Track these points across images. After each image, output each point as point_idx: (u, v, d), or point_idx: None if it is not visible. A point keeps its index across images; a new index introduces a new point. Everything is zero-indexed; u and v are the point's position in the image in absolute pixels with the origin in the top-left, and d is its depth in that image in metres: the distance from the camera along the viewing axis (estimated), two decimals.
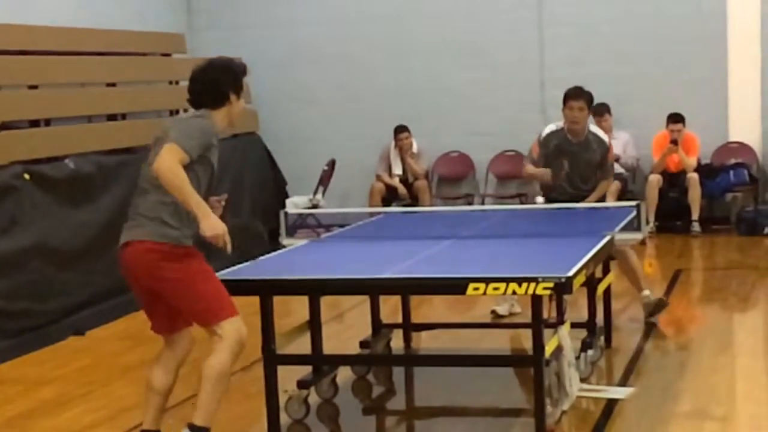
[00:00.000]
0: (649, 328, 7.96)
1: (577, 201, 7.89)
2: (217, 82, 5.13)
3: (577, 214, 7.48)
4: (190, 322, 5.26)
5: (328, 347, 6.55)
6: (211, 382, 5.04)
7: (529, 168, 8.15)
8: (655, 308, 8.10)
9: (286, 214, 7.26)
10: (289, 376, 6.10)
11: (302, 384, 6.18)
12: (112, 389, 7.10)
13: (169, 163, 4.84)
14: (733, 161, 12.53)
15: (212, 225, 4.93)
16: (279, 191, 13.27)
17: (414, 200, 12.70)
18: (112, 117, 10.83)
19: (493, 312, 8.32)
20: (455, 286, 5.36)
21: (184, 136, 4.93)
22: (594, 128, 8.18)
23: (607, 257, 7.01)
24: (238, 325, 5.09)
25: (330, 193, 12.88)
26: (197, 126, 5.04)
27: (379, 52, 13.56)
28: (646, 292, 8.13)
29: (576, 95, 7.99)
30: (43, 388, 7.23)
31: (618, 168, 12.06)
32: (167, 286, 5.04)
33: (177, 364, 5.33)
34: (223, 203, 5.30)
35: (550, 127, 8.18)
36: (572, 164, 8.01)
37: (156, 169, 4.88)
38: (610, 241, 6.43)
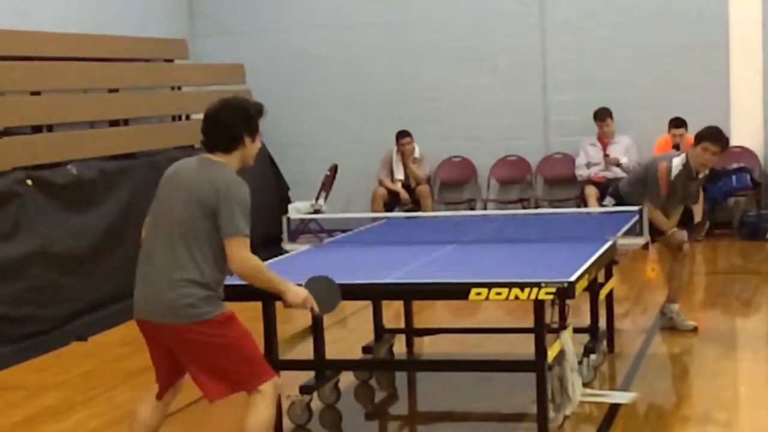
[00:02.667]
0: (652, 333, 7.95)
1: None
2: (230, 125, 4.87)
3: (579, 219, 7.47)
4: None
5: (331, 352, 6.55)
6: None
7: (654, 214, 7.62)
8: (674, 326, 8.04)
9: (288, 219, 7.26)
10: (291, 382, 6.10)
11: (305, 389, 6.18)
12: (115, 395, 7.10)
13: (247, 264, 4.75)
14: (735, 166, 12.51)
15: (296, 293, 4.93)
16: (281, 196, 13.27)
17: (416, 205, 12.70)
18: (114, 123, 10.84)
19: None
20: (457, 291, 5.36)
21: (239, 219, 4.74)
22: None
23: (609, 261, 7.01)
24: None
25: (332, 199, 12.88)
26: (244, 199, 4.80)
27: (381, 57, 13.57)
28: (676, 307, 8.07)
29: (715, 139, 7.76)
30: (45, 393, 7.24)
31: (620, 172, 12.09)
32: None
33: (166, 411, 5.14)
34: None
35: (677, 163, 7.81)
36: (688, 196, 8.00)
37: (238, 273, 4.78)
38: (613, 246, 6.43)
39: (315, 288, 5.05)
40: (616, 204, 7.80)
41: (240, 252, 4.74)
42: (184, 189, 4.84)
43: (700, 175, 7.92)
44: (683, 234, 7.86)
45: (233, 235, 4.73)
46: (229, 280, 5.68)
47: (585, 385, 6.38)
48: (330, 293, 5.12)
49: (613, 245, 6.45)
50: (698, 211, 8.14)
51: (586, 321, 7.16)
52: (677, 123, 12.34)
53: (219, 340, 4.77)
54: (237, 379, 4.82)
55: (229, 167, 4.89)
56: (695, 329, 7.96)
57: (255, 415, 4.80)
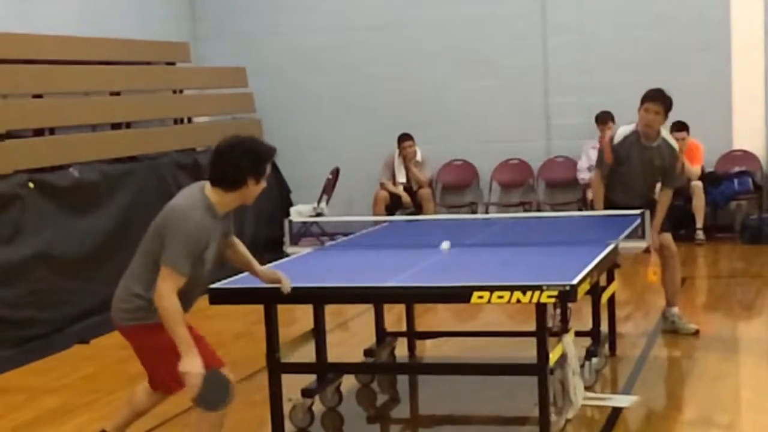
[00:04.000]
0: (653, 336, 7.94)
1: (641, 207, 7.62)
2: (237, 166, 4.87)
3: (581, 223, 7.47)
4: None
5: (333, 355, 6.54)
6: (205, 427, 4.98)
7: (597, 186, 7.77)
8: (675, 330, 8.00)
9: (290, 222, 7.27)
10: (293, 385, 6.10)
11: (306, 392, 6.18)
12: (117, 397, 7.09)
13: (163, 300, 4.76)
14: (737, 169, 12.52)
15: (193, 365, 4.80)
16: (283, 199, 13.28)
17: (418, 208, 12.71)
18: (116, 126, 10.85)
19: None
20: (459, 295, 5.35)
21: (176, 253, 4.76)
22: (666, 134, 7.93)
23: (611, 265, 7.01)
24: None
25: (334, 202, 12.89)
26: (187, 234, 4.79)
27: (383, 60, 13.58)
28: (676, 310, 8.04)
29: (653, 97, 7.78)
30: (47, 396, 7.24)
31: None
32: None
33: (157, 400, 5.35)
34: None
35: (624, 130, 7.88)
36: (643, 169, 7.79)
37: (156, 301, 4.79)
38: (615, 250, 6.43)
39: (211, 382, 4.86)
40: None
41: (162, 284, 4.78)
42: (160, 221, 4.94)
43: (654, 144, 7.72)
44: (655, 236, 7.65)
45: (164, 264, 4.79)
46: (232, 284, 5.70)
47: (587, 388, 6.38)
48: (218, 393, 4.93)
49: (615, 249, 6.44)
50: (663, 207, 7.87)
51: (587, 324, 7.15)
52: (678, 127, 12.33)
53: (151, 343, 4.97)
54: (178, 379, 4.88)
55: (203, 202, 4.88)
56: (697, 332, 7.95)
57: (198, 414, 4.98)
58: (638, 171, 7.74)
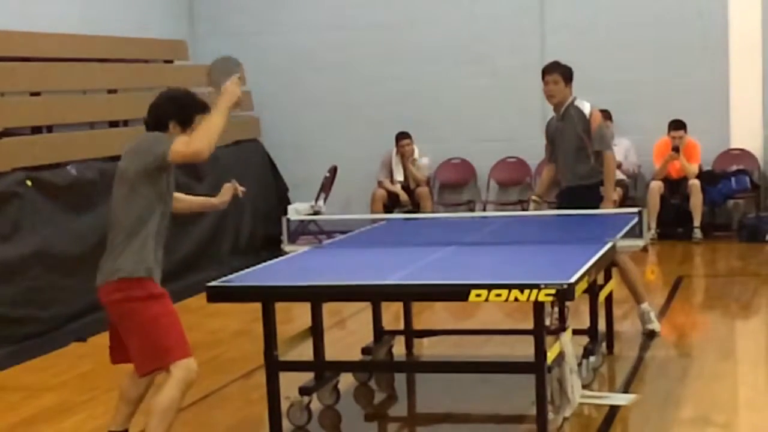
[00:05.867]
0: (651, 335, 7.95)
1: (575, 189, 7.82)
2: (162, 110, 5.22)
3: (579, 221, 7.47)
4: None
5: (330, 354, 6.55)
6: (158, 416, 5.03)
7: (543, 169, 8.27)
8: (649, 333, 7.98)
9: (287, 220, 7.26)
10: (291, 383, 6.10)
11: (304, 390, 6.18)
12: (114, 396, 7.06)
13: (193, 142, 4.98)
14: (734, 168, 12.53)
15: (231, 92, 5.16)
16: (281, 198, 13.28)
17: (415, 207, 12.71)
18: (114, 124, 10.85)
19: None
20: (457, 293, 5.36)
21: (161, 143, 5.03)
22: (579, 102, 7.93)
23: (609, 264, 7.01)
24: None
25: (332, 200, 12.89)
26: (158, 136, 5.13)
27: (381, 59, 13.57)
28: (645, 306, 8.03)
29: (549, 69, 7.95)
30: (45, 394, 7.24)
31: (619, 175, 12.08)
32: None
33: (151, 378, 5.37)
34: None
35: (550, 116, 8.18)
36: (560, 143, 7.93)
37: (199, 150, 4.96)
38: (612, 248, 6.44)
39: (220, 74, 5.34)
40: None
41: (179, 146, 4.99)
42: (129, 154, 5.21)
43: (563, 113, 7.87)
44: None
45: (164, 149, 5.00)
46: (229, 282, 5.70)
47: (584, 386, 6.38)
48: (226, 62, 5.46)
49: (613, 247, 6.45)
50: (610, 177, 7.87)
51: (585, 323, 7.16)
52: (677, 125, 12.36)
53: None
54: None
55: None
56: (652, 333, 7.89)
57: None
58: (559, 145, 7.95)
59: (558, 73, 7.88)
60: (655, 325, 7.95)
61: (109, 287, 5.14)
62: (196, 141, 4.96)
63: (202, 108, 5.26)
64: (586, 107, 7.91)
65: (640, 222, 6.86)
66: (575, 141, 7.84)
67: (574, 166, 7.88)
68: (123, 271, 5.09)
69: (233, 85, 5.19)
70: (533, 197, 8.41)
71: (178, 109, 5.22)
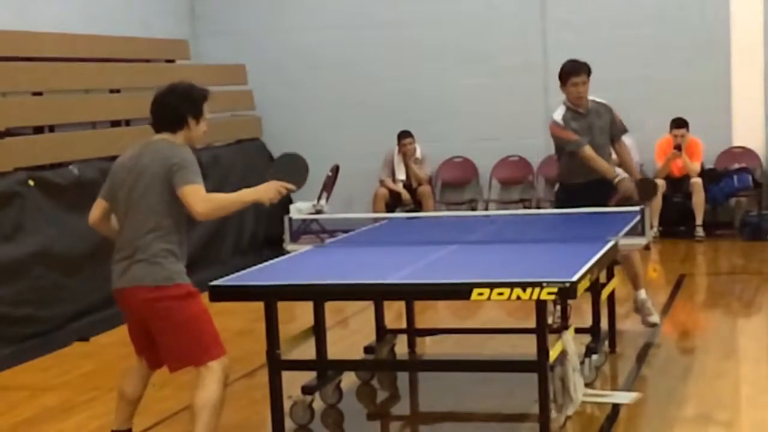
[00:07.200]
0: (654, 333, 7.95)
1: (604, 182, 7.84)
2: (177, 108, 5.25)
3: (581, 220, 7.47)
4: None
5: (333, 353, 6.55)
6: (207, 414, 5.04)
7: (593, 156, 7.86)
8: (644, 321, 8.01)
9: (290, 219, 7.26)
10: (293, 382, 6.11)
11: (307, 389, 6.18)
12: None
13: (206, 203, 5.05)
14: (736, 166, 12.52)
15: (266, 190, 5.33)
16: (282, 197, 13.25)
17: (417, 206, 12.71)
18: (116, 123, 10.85)
19: None
20: (459, 292, 5.36)
21: (191, 173, 5.06)
22: (591, 97, 8.16)
23: (611, 262, 7.01)
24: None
25: (334, 199, 12.88)
26: (188, 157, 5.14)
27: (383, 57, 13.57)
28: (642, 293, 8.04)
29: (578, 70, 8.02)
30: (47, 394, 7.24)
31: (621, 173, 12.06)
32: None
33: (149, 375, 5.41)
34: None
35: (558, 113, 8.09)
36: (591, 135, 7.97)
37: (203, 215, 5.05)
38: (615, 246, 6.43)
39: (279, 170, 5.42)
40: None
41: (197, 197, 5.04)
42: (137, 169, 5.24)
43: (590, 108, 8.02)
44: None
45: (186, 186, 5.04)
46: (232, 281, 5.70)
47: (587, 385, 6.38)
48: (294, 167, 5.51)
49: (615, 245, 6.45)
50: (629, 159, 8.25)
51: (587, 321, 7.16)
52: (678, 123, 12.36)
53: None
54: None
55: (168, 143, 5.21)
56: (652, 324, 7.92)
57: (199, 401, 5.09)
58: (596, 141, 7.96)
59: (585, 72, 8.03)
60: (655, 318, 7.96)
61: (142, 290, 5.09)
62: (207, 207, 5.05)
63: (205, 96, 5.38)
64: (602, 99, 8.20)
65: (642, 220, 6.86)
66: (607, 134, 8.09)
67: (607, 160, 8.04)
68: (162, 278, 5.07)
69: (274, 187, 5.36)
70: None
71: (192, 105, 5.29)
